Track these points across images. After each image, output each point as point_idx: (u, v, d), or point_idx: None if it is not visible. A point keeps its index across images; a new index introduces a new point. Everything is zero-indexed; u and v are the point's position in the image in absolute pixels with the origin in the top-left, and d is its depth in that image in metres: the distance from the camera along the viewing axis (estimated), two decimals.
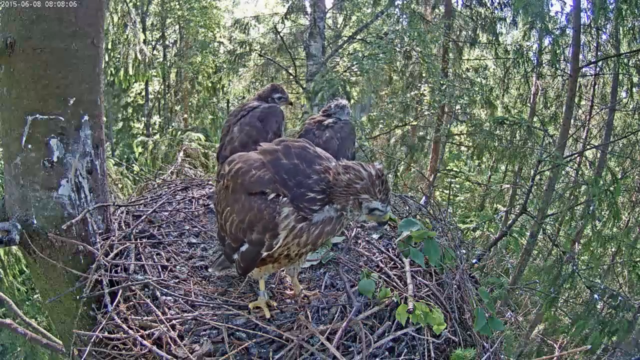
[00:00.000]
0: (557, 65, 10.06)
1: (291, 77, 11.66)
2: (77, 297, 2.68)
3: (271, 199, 2.18)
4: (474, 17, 11.69)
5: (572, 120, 10.35)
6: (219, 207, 2.50)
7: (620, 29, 9.44)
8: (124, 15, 9.98)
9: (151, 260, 3.04)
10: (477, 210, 13.43)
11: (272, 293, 2.86)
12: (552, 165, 7.32)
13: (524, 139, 9.07)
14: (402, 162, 12.51)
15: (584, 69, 10.43)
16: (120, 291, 2.69)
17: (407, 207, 4.06)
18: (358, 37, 11.77)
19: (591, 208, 7.05)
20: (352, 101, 12.28)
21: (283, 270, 2.94)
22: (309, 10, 10.36)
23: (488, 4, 11.51)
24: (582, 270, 8.79)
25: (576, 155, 10.11)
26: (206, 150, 6.38)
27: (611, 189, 6.52)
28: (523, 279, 9.56)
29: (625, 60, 9.51)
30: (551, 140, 8.27)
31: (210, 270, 2.97)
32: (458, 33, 12.06)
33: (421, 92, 12.05)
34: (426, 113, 12.38)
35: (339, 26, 13.80)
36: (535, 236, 9.39)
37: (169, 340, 2.39)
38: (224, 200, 2.42)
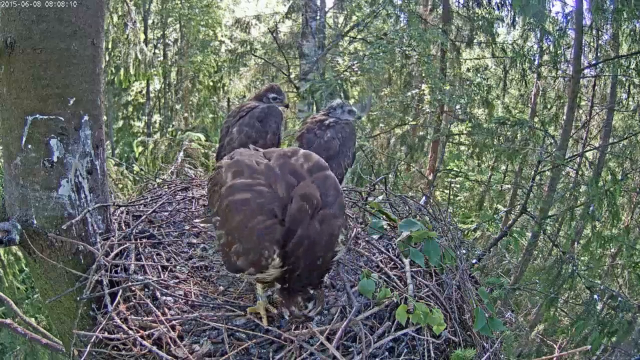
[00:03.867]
0: (558, 67, 10.07)
1: (289, 76, 11.68)
2: (77, 297, 2.68)
3: (268, 249, 2.11)
4: (472, 18, 11.68)
5: (573, 122, 10.36)
6: (215, 214, 2.41)
7: (620, 30, 9.45)
8: (125, 15, 9.97)
9: (151, 261, 3.04)
10: (477, 209, 13.44)
11: (271, 293, 2.86)
12: (552, 166, 7.31)
13: (525, 139, 9.07)
14: (402, 162, 12.51)
15: (585, 70, 10.43)
16: (120, 291, 2.69)
17: (407, 207, 4.06)
18: (358, 36, 11.78)
19: (591, 209, 7.05)
20: (352, 101, 12.27)
21: None
22: (316, 9, 10.41)
23: (485, 4, 11.50)
24: (582, 270, 8.79)
25: (577, 156, 10.12)
26: (206, 150, 6.38)
27: (611, 189, 6.52)
28: (523, 279, 9.56)
29: (626, 62, 9.52)
30: (552, 141, 8.27)
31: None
32: (456, 33, 12.06)
33: (421, 91, 12.06)
34: (427, 111, 12.37)
35: (339, 26, 13.80)
36: (537, 237, 9.39)
37: (168, 340, 2.38)
38: (219, 213, 2.33)
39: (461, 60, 12.44)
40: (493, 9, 11.35)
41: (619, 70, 9.59)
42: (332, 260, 2.26)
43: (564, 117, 10.23)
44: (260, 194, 2.15)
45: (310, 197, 2.13)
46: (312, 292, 2.24)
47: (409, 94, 12.20)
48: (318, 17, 10.64)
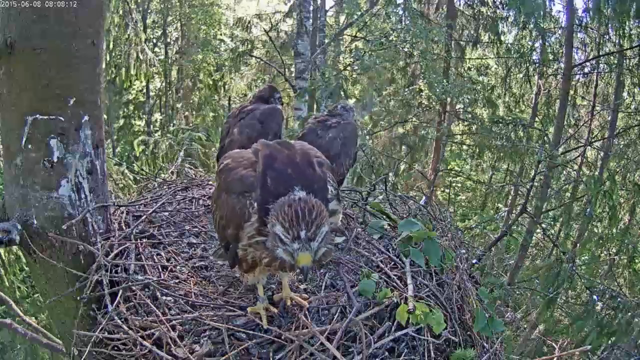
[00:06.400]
0: (551, 65, 10.08)
1: (289, 75, 11.72)
2: (77, 297, 2.68)
3: (249, 199, 2.15)
4: (476, 17, 11.66)
5: (565, 120, 10.35)
6: (212, 203, 2.56)
7: (612, 28, 9.47)
8: (125, 15, 9.98)
9: (151, 261, 3.04)
10: (478, 209, 13.44)
11: (272, 293, 2.86)
12: (549, 166, 7.31)
13: (522, 138, 9.07)
14: (403, 162, 12.51)
15: (585, 68, 10.43)
16: (121, 291, 2.68)
17: (407, 207, 4.06)
18: (359, 35, 11.79)
19: (588, 210, 7.04)
20: (353, 100, 12.30)
21: None
22: (310, 9, 10.49)
23: (490, 4, 11.49)
24: (582, 270, 8.78)
25: (577, 156, 10.11)
26: (207, 150, 6.39)
27: (608, 190, 6.52)
28: (522, 277, 9.55)
29: (615, 59, 9.53)
30: (546, 139, 8.28)
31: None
32: (460, 32, 12.05)
33: (420, 87, 12.07)
34: (425, 104, 12.33)
35: (341, 25, 13.82)
36: (532, 233, 9.40)
37: (169, 340, 2.38)
38: (213, 196, 2.49)
39: (465, 59, 12.43)
40: (497, 7, 11.36)
41: (621, 68, 9.57)
42: (314, 169, 2.17)
43: (557, 114, 10.24)
44: (245, 158, 2.35)
45: (289, 142, 2.35)
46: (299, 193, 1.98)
47: (409, 89, 12.21)
48: (319, 17, 10.69)
